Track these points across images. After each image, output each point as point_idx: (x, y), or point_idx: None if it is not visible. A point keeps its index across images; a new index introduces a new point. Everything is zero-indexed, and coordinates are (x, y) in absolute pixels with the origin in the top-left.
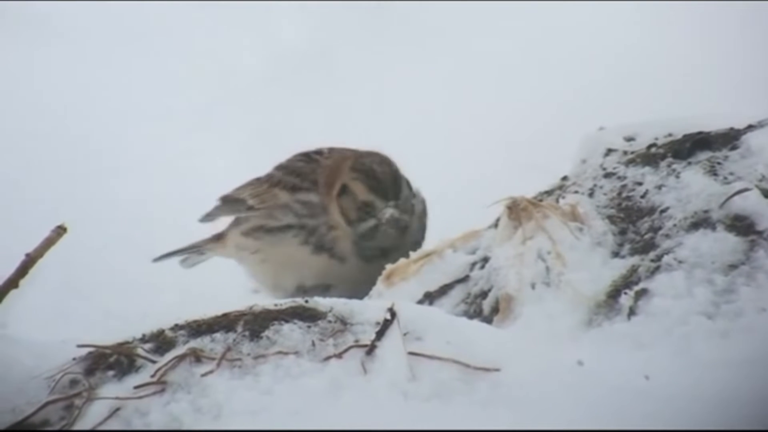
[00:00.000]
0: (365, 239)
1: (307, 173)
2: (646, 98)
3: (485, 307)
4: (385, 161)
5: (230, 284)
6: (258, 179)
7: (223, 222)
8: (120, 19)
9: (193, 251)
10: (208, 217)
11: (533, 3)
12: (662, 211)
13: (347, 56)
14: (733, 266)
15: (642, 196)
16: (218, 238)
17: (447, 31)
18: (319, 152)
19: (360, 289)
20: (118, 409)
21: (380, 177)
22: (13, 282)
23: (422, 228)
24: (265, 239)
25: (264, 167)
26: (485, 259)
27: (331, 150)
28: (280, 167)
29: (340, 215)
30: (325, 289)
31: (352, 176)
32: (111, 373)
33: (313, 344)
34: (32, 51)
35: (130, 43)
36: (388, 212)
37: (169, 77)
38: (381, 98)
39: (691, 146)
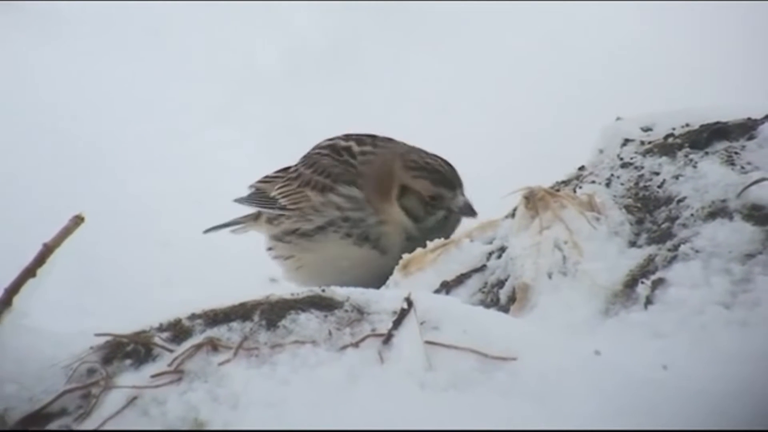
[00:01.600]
0: (433, 232)
1: (339, 173)
2: (663, 88)
3: (502, 297)
4: (431, 154)
5: (247, 273)
6: (286, 172)
7: None
8: (138, 14)
9: (239, 225)
10: (240, 202)
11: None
12: (679, 201)
13: (364, 50)
14: (750, 256)
15: (659, 186)
16: (255, 217)
17: (463, 25)
18: (348, 149)
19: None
20: (135, 398)
21: (440, 169)
22: (30, 271)
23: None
24: (299, 243)
25: (284, 160)
26: (502, 249)
27: (361, 145)
28: (308, 164)
29: (406, 216)
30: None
31: (411, 175)
32: (128, 362)
33: (330, 333)
34: (51, 47)
35: (148, 38)
36: (461, 200)
37: (187, 72)
38: (398, 91)
39: (709, 136)
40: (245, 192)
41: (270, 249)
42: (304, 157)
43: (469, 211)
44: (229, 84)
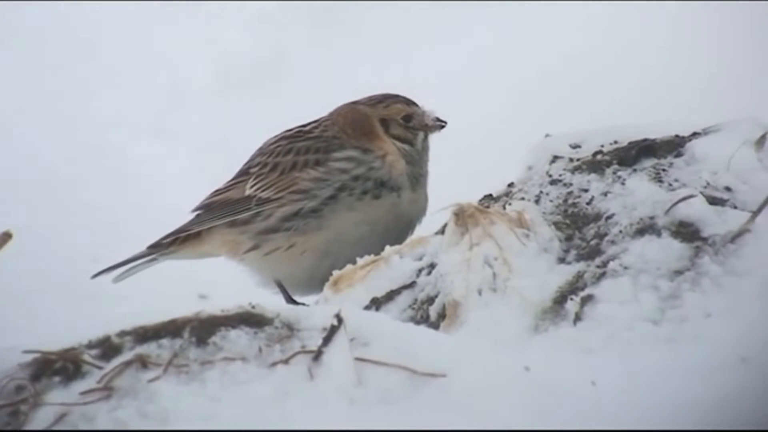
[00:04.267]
0: (424, 152)
1: (323, 146)
2: (591, 106)
3: (432, 313)
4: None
5: (177, 289)
6: (245, 174)
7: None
8: (69, 25)
9: (142, 260)
10: (183, 232)
11: (479, 12)
12: (608, 218)
13: (294, 63)
14: (678, 272)
15: (588, 203)
16: (185, 239)
17: (394, 37)
18: (304, 130)
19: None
20: (64, 415)
21: (398, 95)
22: None
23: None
24: (301, 227)
25: (214, 175)
26: (432, 265)
27: (310, 123)
28: (278, 153)
29: (402, 143)
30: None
31: (382, 107)
32: (57, 378)
33: (260, 350)
34: None
35: (78, 50)
36: (430, 113)
37: (117, 85)
38: (329, 104)
39: (637, 153)
40: (178, 206)
41: (255, 248)
42: (261, 155)
43: (441, 123)
44: (159, 98)
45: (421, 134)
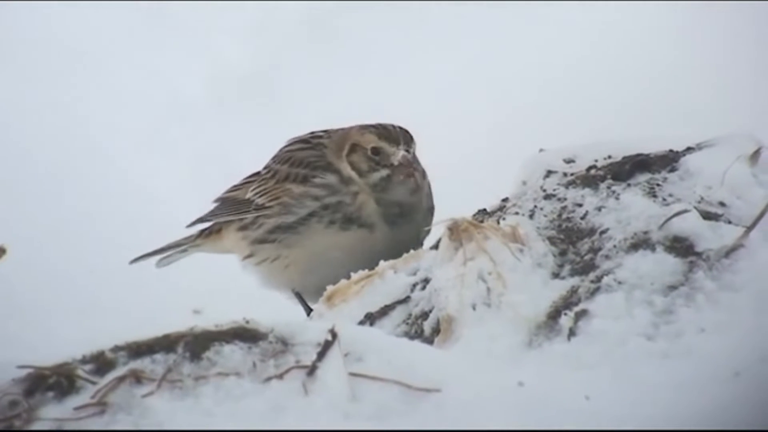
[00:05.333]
0: (379, 190)
1: (315, 161)
2: (585, 121)
3: (426, 328)
4: (393, 124)
5: (171, 304)
6: (257, 176)
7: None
8: (64, 37)
9: (175, 249)
10: (202, 221)
11: (471, 22)
12: (602, 233)
13: (293, 77)
14: (672, 287)
15: (582, 218)
16: (210, 233)
17: (387, 48)
18: (317, 136)
19: (391, 256)
20: (58, 431)
21: (389, 128)
22: None
23: (431, 195)
24: (284, 240)
25: (210, 188)
26: (426, 280)
27: (327, 131)
28: (281, 160)
29: (351, 170)
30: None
31: (360, 133)
32: (51, 394)
33: (254, 365)
34: None
35: (73, 63)
36: (399, 153)
37: (112, 99)
38: (323, 115)
39: (631, 168)
40: (174, 219)
41: (249, 257)
42: (274, 157)
43: (408, 166)
44: (154, 111)
45: (383, 171)
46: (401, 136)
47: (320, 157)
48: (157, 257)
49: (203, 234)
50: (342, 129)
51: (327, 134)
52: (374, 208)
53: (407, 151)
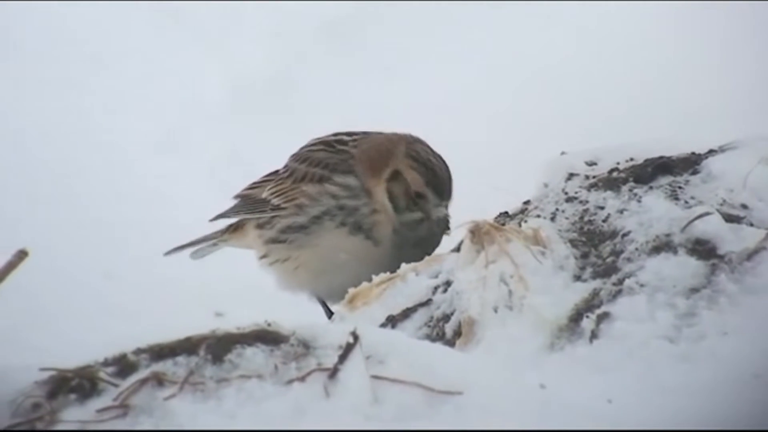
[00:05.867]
0: (407, 228)
1: (335, 164)
2: (608, 123)
3: (448, 331)
4: (438, 155)
5: (192, 307)
6: (276, 173)
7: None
8: (81, 41)
9: (206, 243)
10: (223, 217)
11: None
12: (624, 235)
13: (310, 81)
14: (694, 290)
15: (604, 220)
16: (235, 228)
17: (409, 52)
18: (340, 141)
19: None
20: None
21: (438, 173)
22: None
23: (448, 220)
24: (294, 240)
25: (229, 191)
26: (448, 283)
27: (351, 135)
28: (299, 159)
29: (388, 200)
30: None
31: (407, 163)
32: (73, 396)
33: (276, 368)
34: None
35: (92, 66)
36: (442, 212)
37: (131, 101)
38: (344, 119)
39: (653, 171)
40: (192, 221)
41: (264, 257)
42: (293, 155)
43: (445, 225)
44: (174, 114)
45: (417, 215)
46: (446, 189)
47: (342, 161)
48: (191, 249)
49: (229, 229)
50: (368, 134)
51: (353, 140)
52: (388, 233)
53: (447, 207)
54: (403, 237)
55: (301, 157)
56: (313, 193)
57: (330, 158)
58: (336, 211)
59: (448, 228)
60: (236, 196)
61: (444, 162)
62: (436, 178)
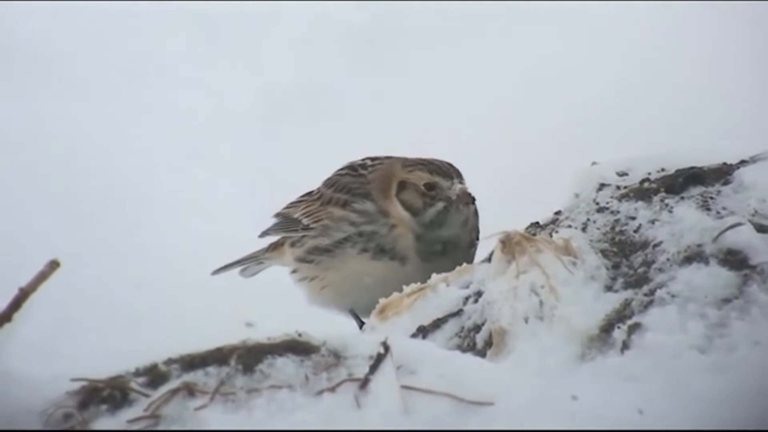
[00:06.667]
0: (434, 226)
1: (356, 188)
2: (639, 133)
3: (479, 341)
4: (435, 157)
5: (223, 317)
6: (310, 195)
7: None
8: (111, 54)
9: (252, 261)
10: (266, 234)
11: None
12: (655, 246)
13: (340, 92)
14: (726, 300)
15: (635, 231)
16: (275, 247)
17: (439, 61)
18: (363, 165)
19: None
20: None
21: (436, 162)
22: (6, 316)
23: (477, 228)
24: (321, 261)
25: (257, 201)
26: (479, 293)
27: (374, 161)
28: (329, 184)
29: (405, 210)
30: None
31: (408, 170)
32: (104, 407)
33: (307, 378)
34: (22, 88)
35: (121, 77)
36: (458, 187)
37: (160, 113)
38: (373, 130)
39: (684, 181)
40: (222, 231)
41: (294, 272)
42: (326, 179)
43: (467, 198)
44: (203, 125)
45: (439, 205)
46: (453, 171)
47: (361, 185)
48: (239, 268)
49: (270, 247)
50: (382, 162)
51: (372, 165)
52: (411, 243)
53: (461, 182)
54: (428, 244)
55: (331, 181)
56: (337, 216)
57: (353, 183)
58: (356, 238)
59: (471, 198)
60: (276, 215)
61: (440, 159)
62: (438, 166)
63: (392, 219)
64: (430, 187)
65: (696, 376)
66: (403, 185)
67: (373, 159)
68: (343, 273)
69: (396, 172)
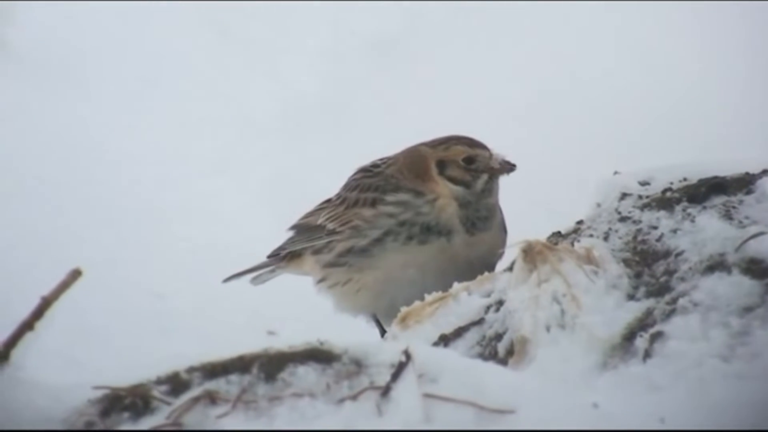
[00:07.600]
0: (484, 195)
1: (382, 185)
2: (661, 142)
3: (500, 350)
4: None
5: (245, 326)
6: (329, 202)
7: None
8: (133, 63)
9: (265, 269)
10: (280, 251)
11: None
12: (677, 255)
13: (362, 100)
14: (748, 309)
15: (657, 240)
16: (292, 257)
17: (458, 70)
18: (375, 165)
19: (466, 272)
20: None
21: (465, 135)
22: (28, 324)
23: (503, 215)
24: (356, 264)
25: (280, 211)
26: (500, 302)
27: (381, 160)
28: (350, 188)
29: (456, 186)
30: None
31: (442, 148)
32: (126, 415)
33: (328, 386)
34: (45, 96)
35: (144, 87)
36: (499, 156)
37: (182, 121)
38: (395, 139)
39: (706, 190)
40: (243, 241)
41: (322, 281)
42: (344, 185)
43: (509, 166)
44: (225, 134)
45: (484, 176)
46: (484, 144)
47: (385, 181)
48: (250, 276)
49: (287, 257)
50: (389, 158)
51: (384, 163)
52: (455, 211)
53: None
54: (473, 211)
55: (350, 185)
56: (368, 216)
57: (377, 181)
58: (398, 229)
59: (513, 166)
60: (291, 227)
61: None
62: (471, 140)
63: (431, 195)
64: (470, 160)
65: (718, 385)
66: (442, 164)
67: (381, 159)
68: (381, 271)
69: (426, 154)
